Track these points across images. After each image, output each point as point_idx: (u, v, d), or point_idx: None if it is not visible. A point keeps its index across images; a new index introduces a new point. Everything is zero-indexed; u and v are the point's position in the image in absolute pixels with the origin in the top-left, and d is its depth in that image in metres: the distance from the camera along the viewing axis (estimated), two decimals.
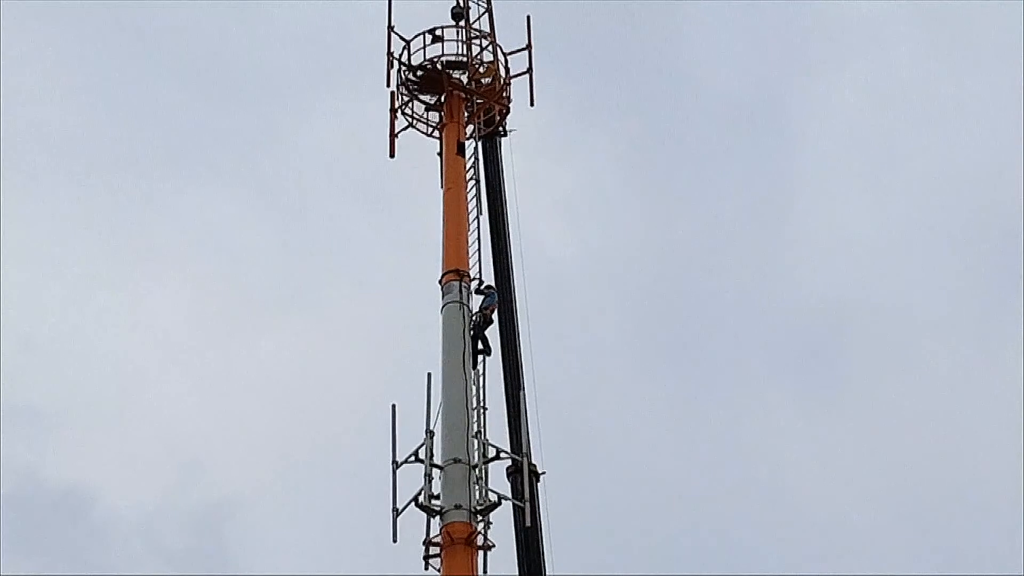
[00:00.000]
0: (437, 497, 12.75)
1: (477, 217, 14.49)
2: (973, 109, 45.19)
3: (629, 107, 37.57)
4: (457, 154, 14.47)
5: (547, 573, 13.56)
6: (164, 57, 40.25)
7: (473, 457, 12.82)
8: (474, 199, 14.52)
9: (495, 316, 14.38)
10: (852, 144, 46.81)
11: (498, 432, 13.80)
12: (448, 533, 12.52)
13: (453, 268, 13.70)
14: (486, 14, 15.28)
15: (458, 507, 12.63)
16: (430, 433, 13.06)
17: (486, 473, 12.89)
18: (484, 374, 14.29)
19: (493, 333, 14.44)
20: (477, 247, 14.42)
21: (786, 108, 45.65)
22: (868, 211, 43.58)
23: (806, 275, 40.96)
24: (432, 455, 12.80)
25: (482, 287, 14.33)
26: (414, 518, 13.27)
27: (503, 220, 15.05)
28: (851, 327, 40.99)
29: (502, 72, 15.14)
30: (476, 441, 13.13)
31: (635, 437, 33.42)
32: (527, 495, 12.84)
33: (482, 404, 13.67)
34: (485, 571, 12.59)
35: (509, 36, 15.55)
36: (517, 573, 13.58)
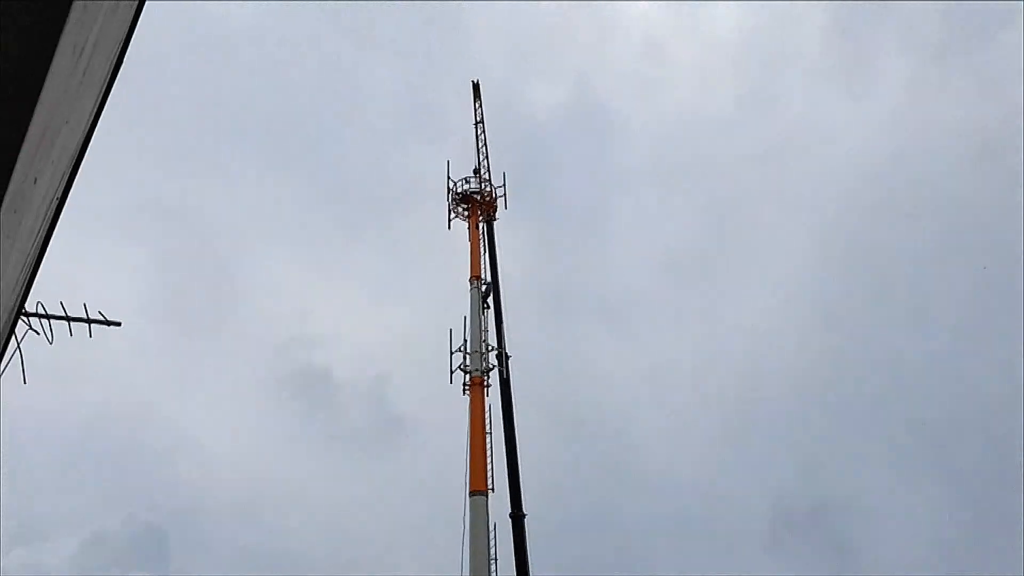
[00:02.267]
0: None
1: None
2: None
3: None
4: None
5: None
6: None
7: (481, 348, 33.41)
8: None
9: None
10: None
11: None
12: (473, 379, 33.17)
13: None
14: (487, 171, 35.98)
15: (476, 370, 33.31)
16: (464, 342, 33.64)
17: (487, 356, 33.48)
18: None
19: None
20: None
21: None
22: None
23: None
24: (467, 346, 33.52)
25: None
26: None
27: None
28: None
29: (495, 195, 35.84)
30: (483, 346, 33.71)
31: None
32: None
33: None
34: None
35: (497, 174, 36.13)
36: None
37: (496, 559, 30.16)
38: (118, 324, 12.30)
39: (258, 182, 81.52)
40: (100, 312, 11.49)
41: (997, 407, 74.17)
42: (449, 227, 35.75)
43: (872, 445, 77.46)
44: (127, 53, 5.69)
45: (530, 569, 29.94)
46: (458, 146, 38.47)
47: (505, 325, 33.74)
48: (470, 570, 30.07)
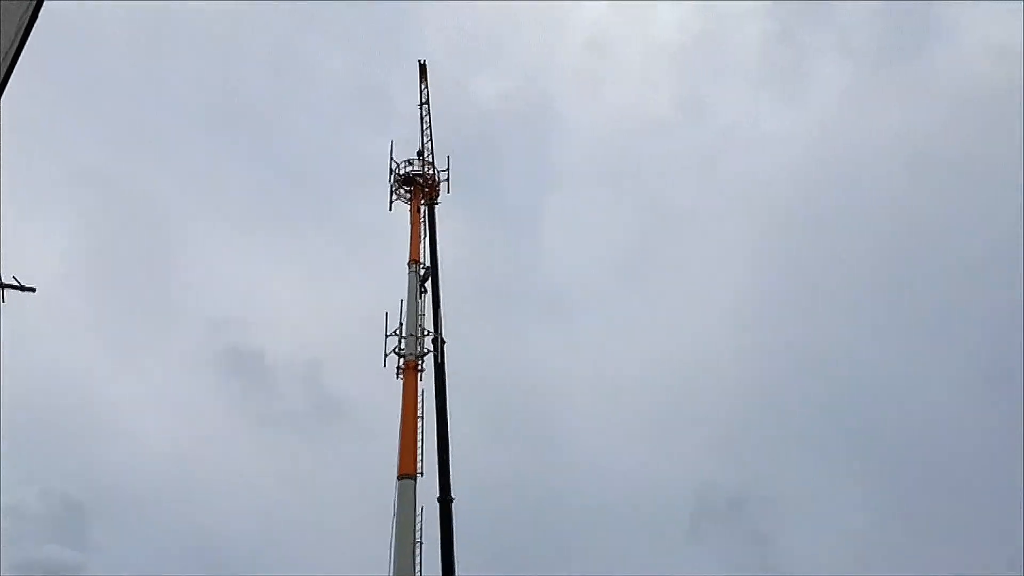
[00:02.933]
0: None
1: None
2: None
3: None
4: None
5: None
6: None
7: (417, 333, 33.35)
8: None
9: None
10: None
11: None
12: (407, 363, 33.10)
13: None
14: (431, 153, 35.79)
15: (411, 354, 33.24)
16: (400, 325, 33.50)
17: (423, 340, 33.47)
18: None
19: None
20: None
21: None
22: None
23: None
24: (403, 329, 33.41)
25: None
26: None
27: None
28: None
29: (437, 178, 35.67)
30: (419, 330, 33.63)
31: None
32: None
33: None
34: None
35: (441, 158, 36.00)
36: None
37: (421, 542, 30.19)
38: (32, 290, 11.95)
39: (199, 160, 79.99)
40: (14, 277, 11.09)
41: (916, 408, 76.86)
42: (390, 209, 35.50)
43: (793, 441, 79.55)
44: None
45: (455, 553, 30.05)
46: (403, 131, 38.18)
47: (442, 311, 33.71)
48: (396, 551, 30.11)
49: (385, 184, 35.37)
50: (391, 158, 35.46)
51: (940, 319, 79.31)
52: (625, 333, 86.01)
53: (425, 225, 35.47)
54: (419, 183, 35.51)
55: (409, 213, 35.29)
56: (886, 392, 78.25)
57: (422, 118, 36.84)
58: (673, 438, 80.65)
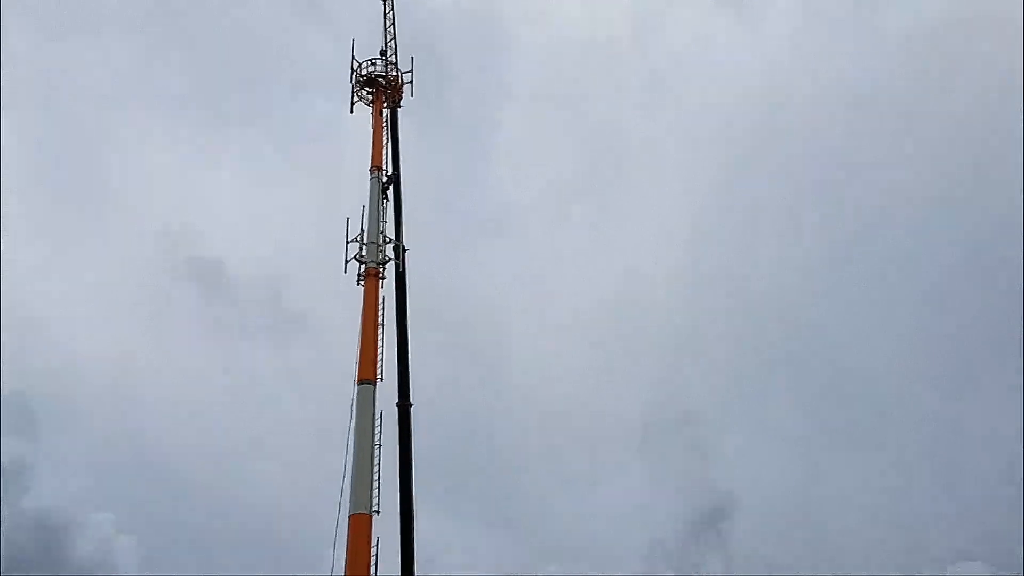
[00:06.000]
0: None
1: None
2: None
3: None
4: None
5: None
6: None
7: (378, 240, 32.86)
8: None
9: None
10: None
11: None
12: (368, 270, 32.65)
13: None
14: (394, 53, 34.64)
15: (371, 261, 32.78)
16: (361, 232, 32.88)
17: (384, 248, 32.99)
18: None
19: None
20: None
21: None
22: None
23: None
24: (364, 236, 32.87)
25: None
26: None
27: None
28: None
29: (401, 80, 34.63)
30: (381, 237, 33.11)
31: None
32: None
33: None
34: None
35: (404, 59, 34.95)
36: None
37: (380, 444, 30.31)
38: None
39: (137, 60, 76.68)
40: None
41: (853, 334, 79.51)
42: (352, 111, 34.54)
43: (737, 364, 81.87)
44: None
45: (412, 456, 30.19)
46: (362, 30, 36.76)
47: (404, 217, 33.24)
48: (354, 455, 30.17)
49: (344, 87, 34.31)
50: (352, 57, 34.34)
51: (881, 249, 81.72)
52: (573, 255, 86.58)
53: (388, 130, 34.63)
54: (382, 84, 34.49)
55: (371, 116, 34.38)
56: (827, 319, 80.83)
57: (385, 14, 35.46)
58: (622, 358, 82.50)
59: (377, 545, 27.82)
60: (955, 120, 78.01)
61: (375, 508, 28.58)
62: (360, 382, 31.33)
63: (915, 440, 75.96)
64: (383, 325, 32.29)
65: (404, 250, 33.51)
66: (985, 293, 75.15)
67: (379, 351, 31.66)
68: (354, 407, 30.95)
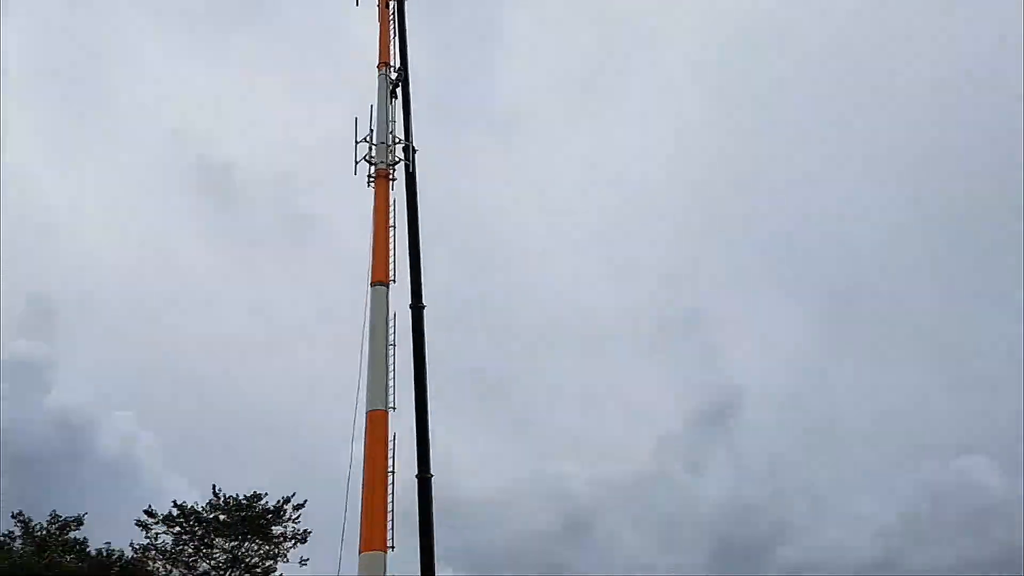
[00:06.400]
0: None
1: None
2: None
3: None
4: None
5: None
6: None
7: (388, 140, 32.45)
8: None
9: None
10: None
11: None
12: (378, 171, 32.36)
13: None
14: None
15: (381, 162, 32.44)
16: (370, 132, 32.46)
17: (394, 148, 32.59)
18: None
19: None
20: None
21: None
22: None
23: None
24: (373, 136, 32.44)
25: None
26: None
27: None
28: None
29: None
30: (390, 138, 32.66)
31: None
32: None
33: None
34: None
35: None
36: None
37: (394, 345, 30.67)
38: None
39: None
40: None
41: (858, 237, 79.15)
42: (357, 2, 33.57)
43: (745, 264, 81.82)
44: None
45: (426, 356, 30.37)
46: None
47: (413, 116, 32.72)
48: (369, 354, 30.55)
49: None
50: None
51: (889, 150, 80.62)
52: (581, 155, 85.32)
53: (395, 24, 33.75)
54: None
55: (377, 9, 33.45)
56: (832, 220, 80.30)
57: None
58: (631, 259, 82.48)
59: (394, 440, 28.44)
60: None
61: (391, 405, 29.12)
62: (373, 284, 31.51)
63: (921, 337, 77.03)
64: (394, 228, 32.22)
65: (414, 150, 33.06)
66: (991, 189, 74.74)
67: (391, 254, 31.70)
68: (368, 308, 31.25)
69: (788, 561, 68.31)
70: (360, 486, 28.29)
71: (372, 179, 32.99)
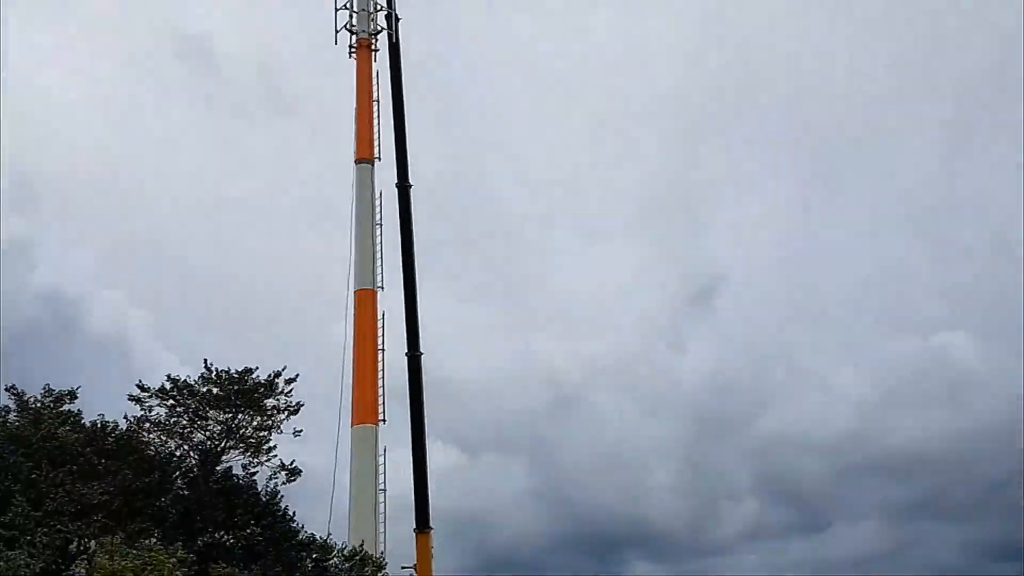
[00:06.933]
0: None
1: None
2: None
3: None
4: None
5: None
6: None
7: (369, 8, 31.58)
8: None
9: None
10: None
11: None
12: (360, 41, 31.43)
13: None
14: None
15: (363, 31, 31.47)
16: None
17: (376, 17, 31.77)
18: None
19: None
20: None
21: None
22: None
23: None
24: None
25: None
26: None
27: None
28: None
29: None
30: (371, 4, 31.68)
31: None
32: None
33: None
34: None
35: None
36: None
37: (381, 224, 31.74)
38: None
39: None
40: None
41: (855, 104, 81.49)
42: None
43: (741, 131, 78.65)
44: None
45: (413, 235, 31.83)
46: None
47: None
48: (356, 234, 31.21)
49: None
50: None
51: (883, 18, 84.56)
52: (568, 21, 77.51)
53: None
54: None
55: None
56: (828, 91, 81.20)
57: None
58: (620, 131, 73.63)
59: (383, 318, 31.10)
60: None
61: (379, 284, 31.34)
62: (358, 162, 31.58)
63: (909, 212, 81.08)
64: (378, 102, 32.31)
65: (397, 19, 32.71)
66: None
67: (375, 129, 32.06)
68: (354, 187, 31.34)
69: (766, 433, 68.05)
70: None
71: (354, 50, 31.81)
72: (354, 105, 31.80)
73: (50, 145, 66.71)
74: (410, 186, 32.22)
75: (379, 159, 32.20)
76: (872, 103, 78.19)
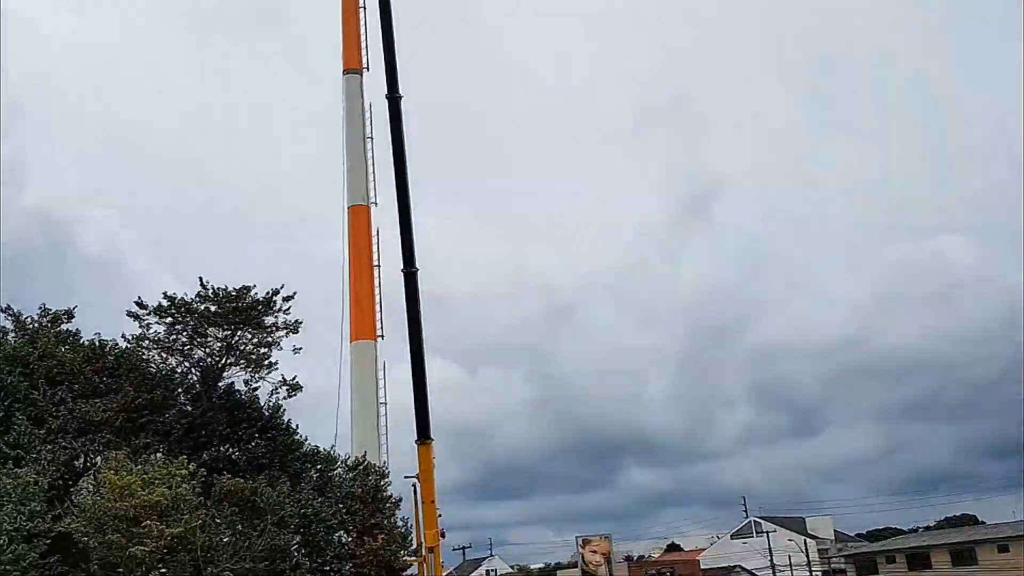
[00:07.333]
0: None
1: None
2: None
3: None
4: None
5: None
6: None
7: None
8: None
9: None
10: None
11: None
12: None
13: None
14: None
15: None
16: None
17: None
18: None
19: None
20: None
21: None
22: None
23: None
24: None
25: None
26: None
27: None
28: None
29: None
30: None
31: None
32: None
33: None
34: None
35: None
36: None
37: (372, 138, 31.15)
38: None
39: None
40: None
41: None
42: None
43: (730, 39, 75.52)
44: None
45: (405, 149, 30.83)
46: None
47: None
48: (347, 148, 30.75)
49: None
50: None
51: None
52: None
53: None
54: None
55: None
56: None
57: None
58: (614, 37, 71.68)
59: (377, 235, 30.88)
60: None
61: (373, 200, 31.00)
62: (346, 72, 30.77)
63: (909, 115, 78.54)
64: (364, 8, 31.39)
65: None
66: None
67: (362, 37, 31.25)
68: (343, 98, 30.73)
69: (761, 340, 68.41)
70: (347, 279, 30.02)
71: None
72: (340, 14, 30.90)
73: (37, 62, 65.58)
74: (400, 97, 30.60)
75: (367, 69, 31.40)
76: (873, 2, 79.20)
